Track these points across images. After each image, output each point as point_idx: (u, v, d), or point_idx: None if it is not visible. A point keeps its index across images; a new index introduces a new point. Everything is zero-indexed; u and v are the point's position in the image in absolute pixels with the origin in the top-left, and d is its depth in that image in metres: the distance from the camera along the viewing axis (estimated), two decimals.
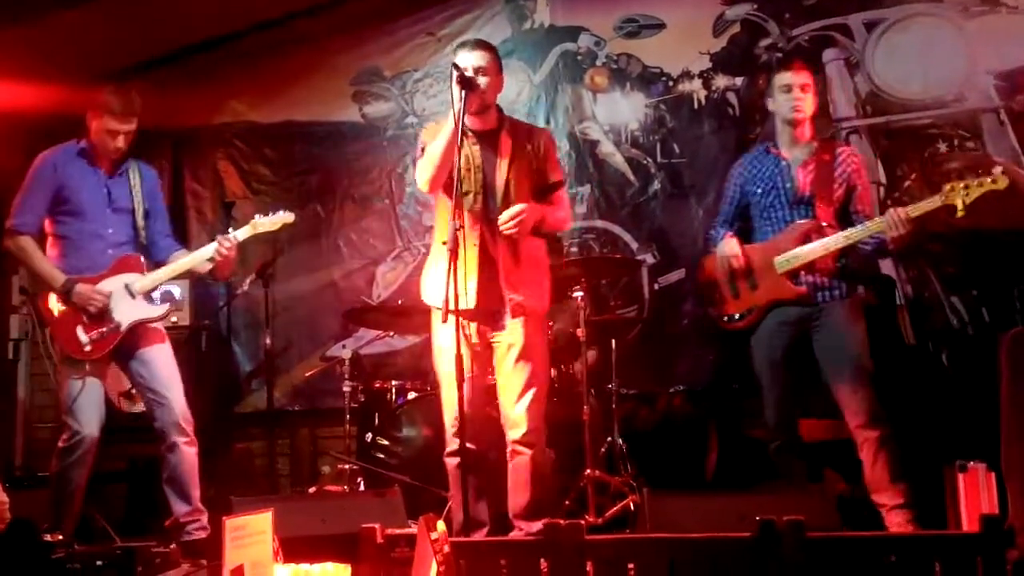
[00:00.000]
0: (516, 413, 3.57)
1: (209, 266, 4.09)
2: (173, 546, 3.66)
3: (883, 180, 5.06)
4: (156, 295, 4.05)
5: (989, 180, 3.62)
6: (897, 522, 3.66)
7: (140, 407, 4.93)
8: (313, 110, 5.97)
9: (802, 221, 3.92)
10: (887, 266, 5.07)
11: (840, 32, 5.29)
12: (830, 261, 3.88)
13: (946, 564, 2.59)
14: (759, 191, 4.04)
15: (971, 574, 2.57)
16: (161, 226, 4.18)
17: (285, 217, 4.20)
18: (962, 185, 3.63)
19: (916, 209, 3.70)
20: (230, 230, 4.11)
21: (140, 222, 4.06)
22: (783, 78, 3.97)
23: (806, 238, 3.88)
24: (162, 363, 3.97)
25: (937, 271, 5.01)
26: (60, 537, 3.38)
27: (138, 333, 3.95)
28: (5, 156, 5.32)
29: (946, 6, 5.13)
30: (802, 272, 3.89)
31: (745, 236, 4.10)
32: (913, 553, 2.64)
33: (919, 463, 3.81)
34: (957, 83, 5.09)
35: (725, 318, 4.10)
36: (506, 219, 3.50)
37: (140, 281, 3.95)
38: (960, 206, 3.63)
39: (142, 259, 4.03)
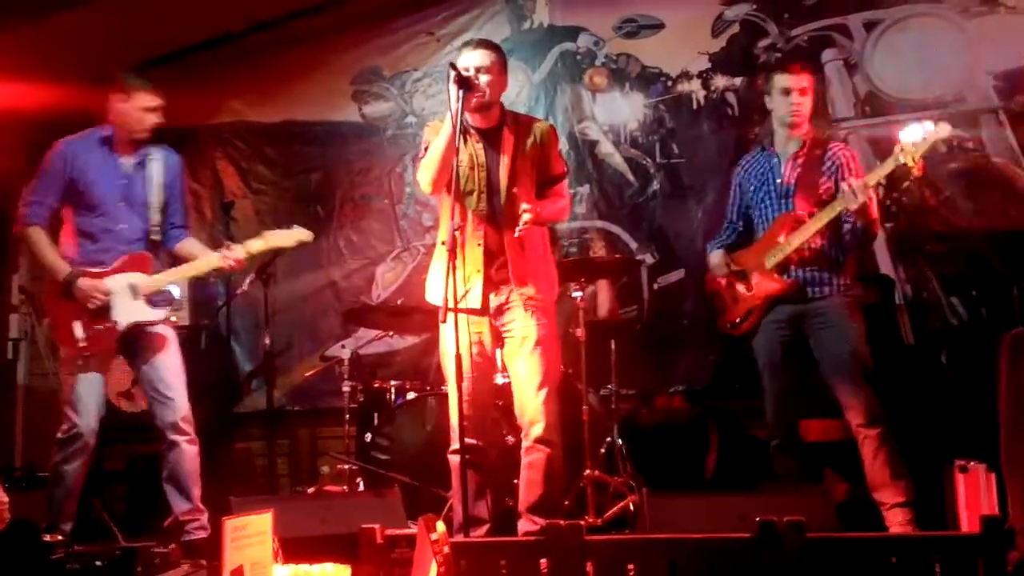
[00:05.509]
0: (534, 409, 3.56)
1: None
2: (173, 546, 3.66)
3: (882, 180, 5.05)
4: (175, 292, 4.02)
5: (933, 131, 3.61)
6: (897, 521, 3.66)
7: (138, 407, 4.93)
8: (313, 110, 5.98)
9: (783, 214, 3.93)
10: (886, 266, 5.08)
11: (839, 32, 5.29)
12: (816, 251, 3.87)
13: (946, 565, 2.59)
14: (752, 188, 4.06)
15: (972, 575, 2.57)
16: (174, 215, 4.10)
17: (300, 234, 4.06)
18: (910, 143, 3.62)
19: (872, 177, 3.72)
20: (248, 240, 4.03)
21: (155, 217, 4.00)
22: (782, 80, 3.96)
23: (788, 231, 3.88)
24: (168, 365, 3.95)
25: (936, 271, 5.01)
26: (60, 537, 3.38)
27: (146, 334, 3.93)
28: (5, 156, 5.32)
29: (945, 6, 5.13)
30: (793, 267, 3.89)
31: (749, 235, 4.11)
32: (913, 554, 2.64)
33: (919, 464, 3.81)
34: (956, 83, 5.09)
35: (729, 325, 4.11)
36: (521, 227, 3.46)
37: (145, 282, 3.91)
38: (911, 162, 3.61)
39: (151, 259, 3.97)
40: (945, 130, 3.62)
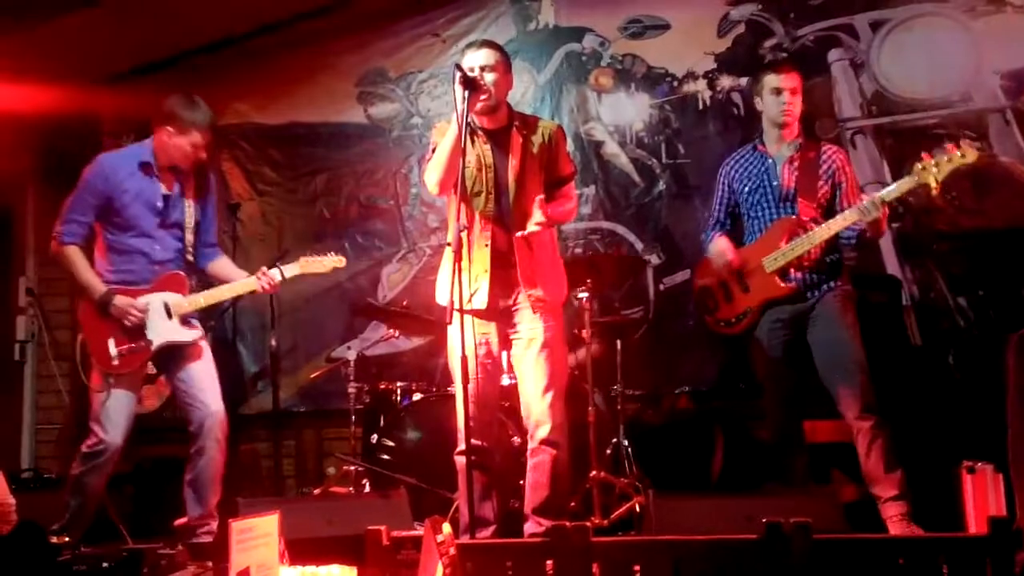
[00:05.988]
0: (540, 410, 3.57)
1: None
2: (180, 548, 3.67)
3: (888, 180, 5.04)
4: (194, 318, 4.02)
5: (958, 155, 3.60)
6: (892, 515, 3.65)
7: (144, 409, 4.93)
8: (318, 111, 5.98)
9: (784, 218, 3.93)
10: (893, 267, 5.07)
11: (845, 32, 5.29)
12: (817, 256, 3.88)
13: (954, 566, 2.58)
14: (746, 189, 4.05)
15: None
16: (207, 233, 4.13)
17: (336, 260, 4.18)
18: (932, 163, 3.62)
19: (889, 193, 3.71)
20: (285, 265, 4.06)
21: (189, 238, 4.01)
22: (772, 81, 3.97)
23: (790, 235, 3.88)
24: (202, 370, 3.96)
25: (943, 272, 5.00)
26: (67, 539, 3.39)
27: (180, 346, 3.93)
28: (12, 158, 5.34)
29: (952, 6, 5.12)
30: (791, 270, 3.90)
31: (736, 237, 4.11)
32: (921, 555, 2.62)
33: (927, 465, 3.80)
34: (963, 83, 5.08)
35: (722, 323, 4.11)
36: (528, 231, 3.49)
37: (180, 302, 3.91)
38: (933, 183, 3.62)
39: (186, 279, 3.98)
40: (972, 155, 3.62)
